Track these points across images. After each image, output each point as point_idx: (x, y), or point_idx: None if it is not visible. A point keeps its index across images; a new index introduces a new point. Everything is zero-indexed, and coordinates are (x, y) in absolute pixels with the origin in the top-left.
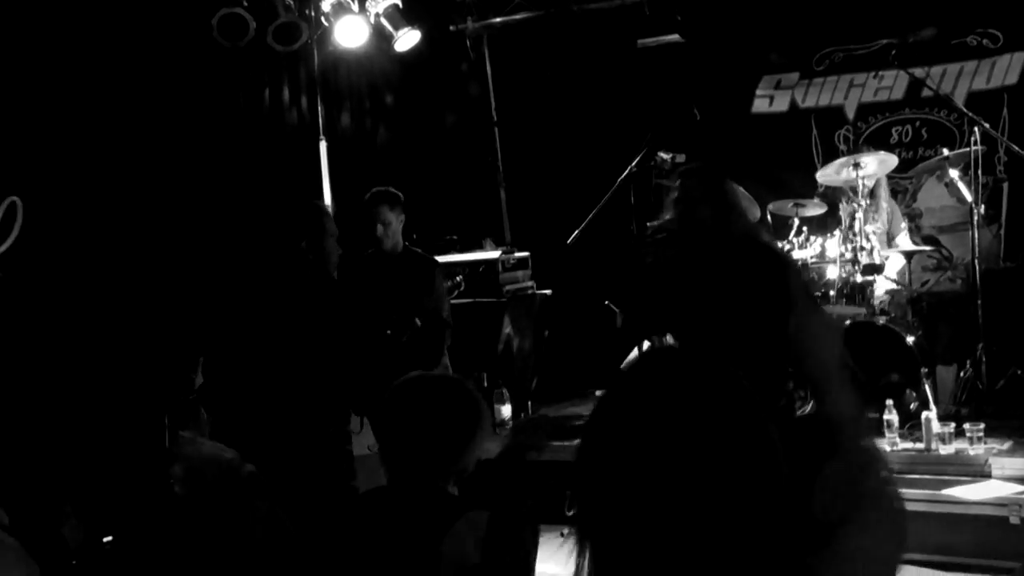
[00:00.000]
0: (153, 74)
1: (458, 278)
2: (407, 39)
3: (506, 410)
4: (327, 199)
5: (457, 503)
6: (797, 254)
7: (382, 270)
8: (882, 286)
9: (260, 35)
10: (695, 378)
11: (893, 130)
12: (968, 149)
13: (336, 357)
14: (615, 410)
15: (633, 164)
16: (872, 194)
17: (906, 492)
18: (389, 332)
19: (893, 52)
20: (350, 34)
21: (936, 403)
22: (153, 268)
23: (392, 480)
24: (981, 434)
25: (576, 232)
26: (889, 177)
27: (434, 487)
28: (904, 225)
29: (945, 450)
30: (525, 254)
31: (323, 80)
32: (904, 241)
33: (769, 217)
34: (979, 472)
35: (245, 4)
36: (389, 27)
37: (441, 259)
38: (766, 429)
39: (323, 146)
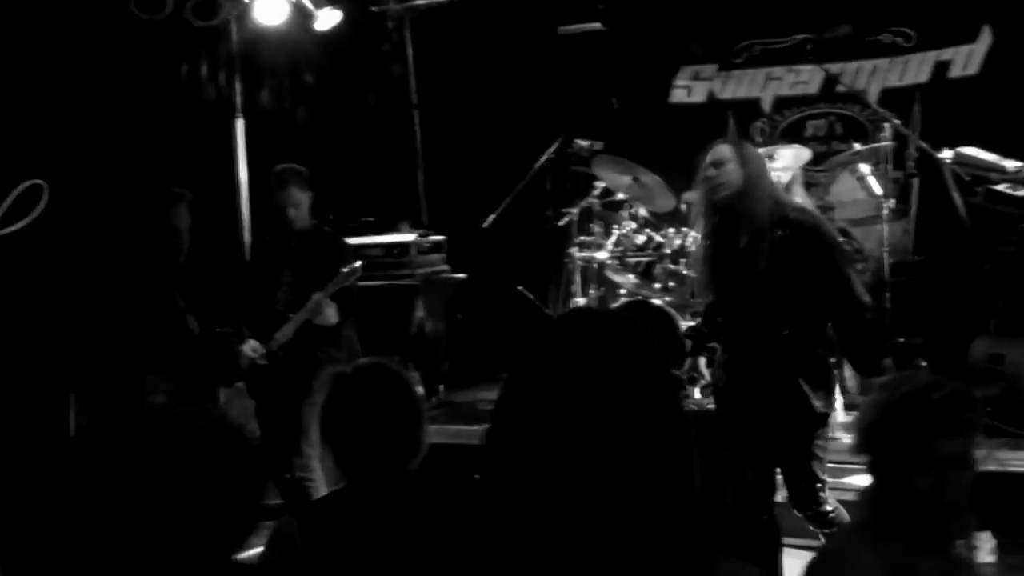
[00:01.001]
0: (67, 45)
1: (357, 264)
2: (328, 18)
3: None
4: (243, 177)
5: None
6: None
7: (291, 249)
8: None
9: (178, 9)
10: (608, 335)
11: (808, 124)
12: (879, 144)
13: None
14: (532, 364)
15: (551, 150)
16: (787, 187)
17: None
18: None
19: (809, 47)
20: (270, 11)
21: (843, 392)
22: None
23: (356, 477)
24: None
25: (492, 217)
26: (804, 170)
27: (404, 474)
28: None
29: (848, 438)
30: (441, 238)
31: (242, 57)
32: None
33: (684, 207)
34: None
35: None
36: (310, 6)
37: (355, 240)
38: (672, 386)
39: (240, 124)
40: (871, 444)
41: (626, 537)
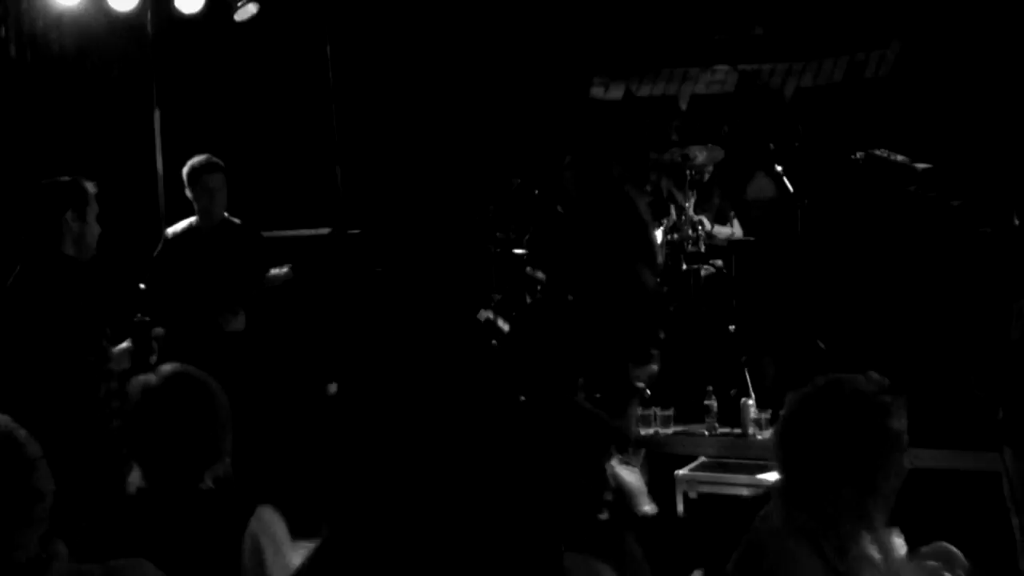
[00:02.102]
0: None
1: (285, 268)
2: (246, 11)
3: None
4: (159, 169)
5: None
6: None
7: (208, 242)
8: (707, 273)
9: None
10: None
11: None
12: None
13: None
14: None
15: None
16: (702, 184)
17: (722, 476)
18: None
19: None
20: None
21: (756, 390)
22: None
23: (152, 482)
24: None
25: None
26: (718, 167)
27: (194, 486)
28: (732, 214)
29: (762, 436)
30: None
31: (160, 46)
32: (737, 226)
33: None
34: None
35: None
36: None
37: (274, 233)
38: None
39: (157, 114)
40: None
41: (473, 536)
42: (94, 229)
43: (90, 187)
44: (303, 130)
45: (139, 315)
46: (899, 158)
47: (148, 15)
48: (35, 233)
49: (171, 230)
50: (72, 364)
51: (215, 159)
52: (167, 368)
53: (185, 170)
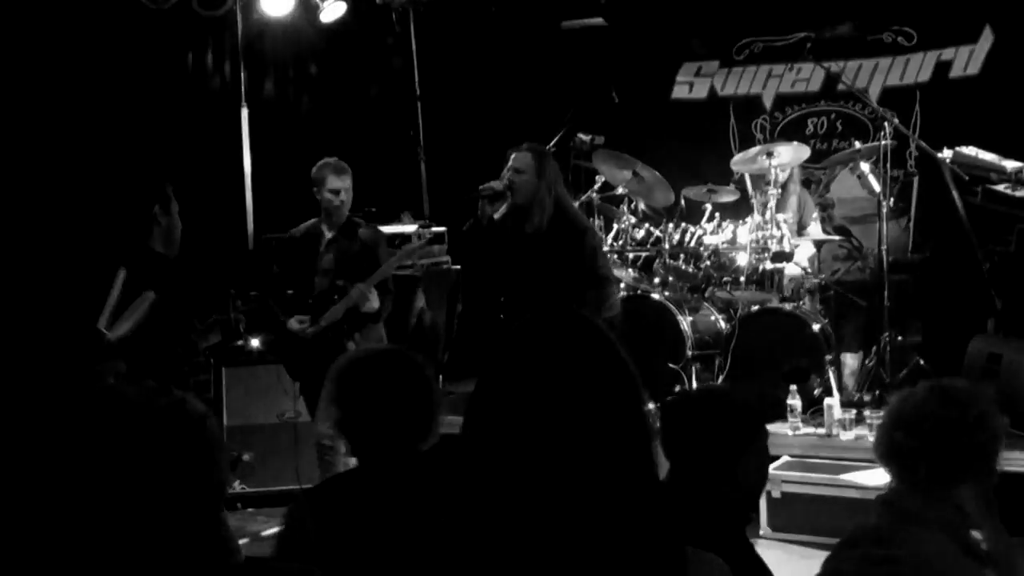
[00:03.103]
0: (75, 34)
1: (396, 254)
2: (333, 10)
3: None
4: (247, 166)
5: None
6: (709, 239)
7: (330, 237)
8: (791, 273)
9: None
10: (575, 339)
11: (809, 121)
12: (879, 143)
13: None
14: (507, 364)
15: (551, 144)
16: (785, 184)
17: (806, 476)
18: (336, 296)
19: (809, 45)
20: (276, 3)
21: (840, 390)
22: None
23: (366, 458)
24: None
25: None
26: (803, 167)
27: (413, 457)
28: (815, 215)
29: (845, 436)
30: (442, 229)
31: (247, 47)
32: (815, 230)
33: (683, 202)
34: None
35: None
36: None
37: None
38: (632, 385)
39: (245, 113)
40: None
41: (596, 532)
42: (178, 224)
43: (168, 188)
44: (388, 128)
45: (224, 289)
46: (988, 156)
47: (237, 15)
48: (126, 229)
49: (296, 229)
50: (163, 356)
51: (341, 162)
52: (380, 347)
53: (313, 171)
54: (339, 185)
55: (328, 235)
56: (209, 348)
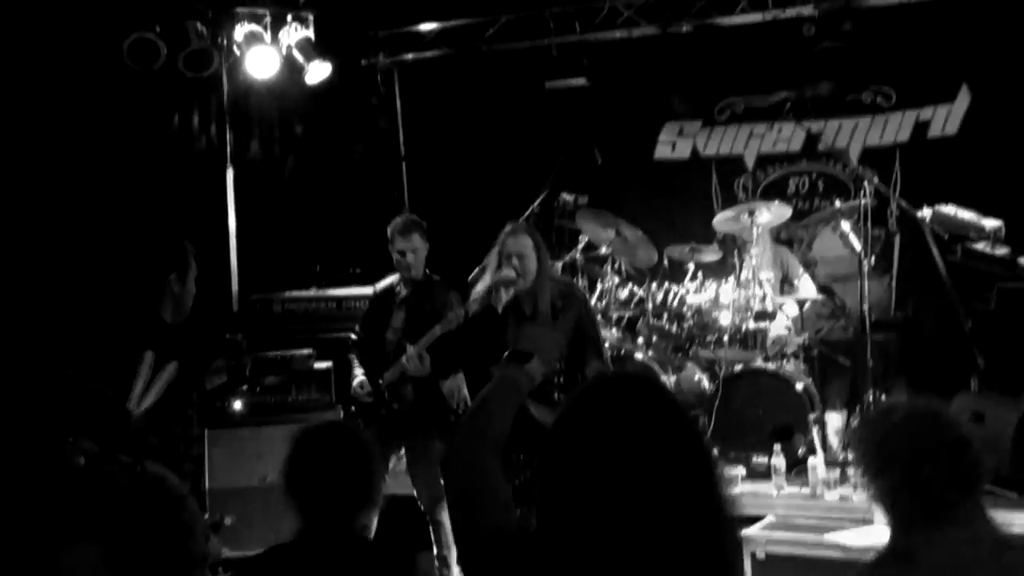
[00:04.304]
0: (63, 96)
1: (451, 317)
2: (318, 71)
3: None
4: (232, 226)
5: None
6: (692, 298)
7: (403, 295)
8: (774, 332)
9: (171, 61)
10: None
11: (791, 181)
12: (859, 202)
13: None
14: (577, 421)
15: (535, 203)
16: (767, 242)
17: (790, 536)
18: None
19: (789, 105)
20: (261, 64)
21: (824, 449)
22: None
23: (307, 526)
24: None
25: (477, 269)
26: (786, 226)
27: (350, 528)
28: (802, 271)
29: (830, 496)
30: (454, 292)
31: (233, 108)
32: (806, 284)
33: (666, 261)
34: (861, 518)
35: (157, 30)
36: (301, 59)
37: (343, 292)
38: (701, 445)
39: (230, 173)
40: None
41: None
42: (191, 293)
43: (190, 248)
44: (373, 188)
45: (232, 335)
46: (967, 215)
47: (223, 76)
48: (138, 296)
49: (377, 286)
50: (160, 430)
51: (413, 218)
52: (323, 420)
53: (388, 229)
54: (403, 246)
55: (402, 293)
56: (214, 389)
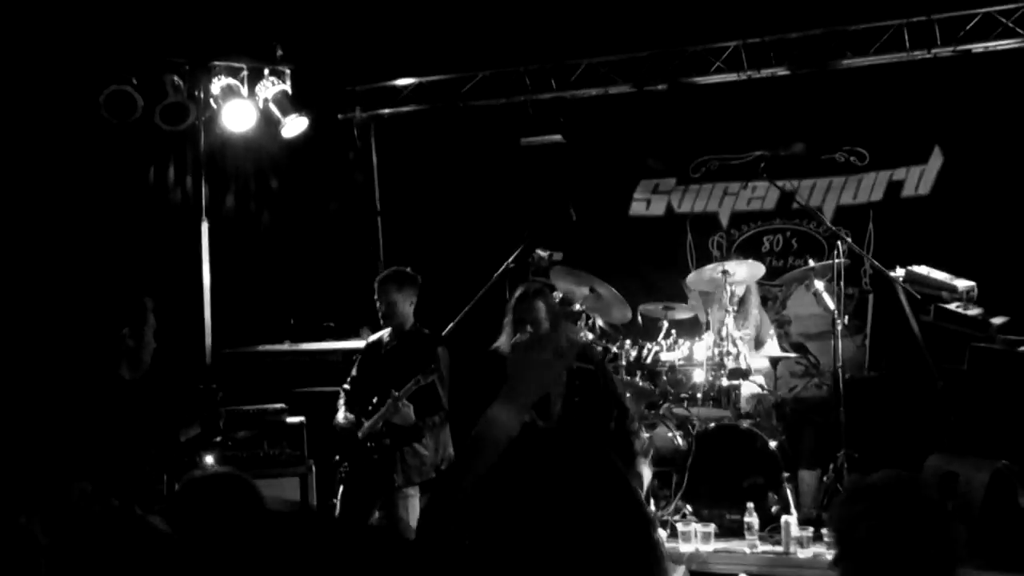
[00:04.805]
0: (38, 146)
1: (432, 367)
2: (294, 125)
3: None
4: (206, 279)
5: None
6: (665, 356)
7: (389, 346)
8: (747, 390)
9: (148, 114)
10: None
11: (765, 239)
12: (833, 261)
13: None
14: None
15: (511, 259)
16: (742, 301)
17: None
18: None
19: (763, 164)
20: (238, 118)
21: (798, 507)
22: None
23: None
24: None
25: (451, 325)
26: (759, 284)
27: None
28: (772, 332)
29: (803, 554)
30: (441, 345)
31: (209, 161)
32: (772, 347)
33: (640, 319)
34: None
35: (134, 82)
36: (277, 113)
37: (317, 346)
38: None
39: (205, 227)
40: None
41: None
42: (149, 347)
43: (148, 303)
44: (348, 242)
45: (206, 385)
46: (940, 276)
47: (199, 130)
48: (91, 351)
49: (369, 338)
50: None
51: (402, 270)
52: (217, 469)
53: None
54: (382, 298)
55: (389, 343)
56: (188, 441)
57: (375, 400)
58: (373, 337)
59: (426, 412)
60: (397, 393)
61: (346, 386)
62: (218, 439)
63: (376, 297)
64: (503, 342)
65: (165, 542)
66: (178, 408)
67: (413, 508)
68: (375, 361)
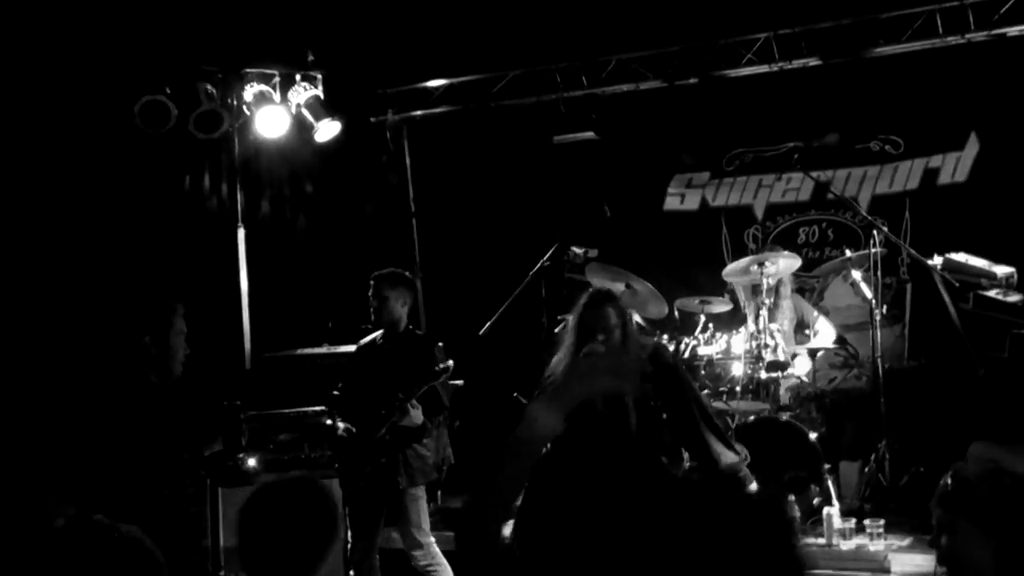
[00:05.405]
0: (74, 158)
1: (442, 367)
2: (327, 130)
3: None
4: (243, 285)
5: None
6: (703, 350)
7: (384, 349)
8: (786, 383)
9: (182, 123)
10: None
11: (800, 230)
12: (870, 251)
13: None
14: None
15: (545, 258)
16: (777, 292)
17: None
18: (383, 411)
19: (797, 156)
20: (271, 124)
21: (839, 499)
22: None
23: None
24: (881, 530)
25: (488, 324)
26: (796, 276)
27: None
28: (818, 315)
29: (846, 546)
30: (439, 344)
31: (243, 168)
32: (824, 328)
33: (676, 313)
34: (878, 568)
35: (167, 92)
36: (310, 118)
37: (353, 348)
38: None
39: (241, 233)
40: None
41: None
42: (178, 353)
43: (178, 308)
44: (384, 244)
45: (229, 401)
46: (979, 262)
47: (233, 137)
48: (119, 359)
49: (361, 341)
50: (147, 497)
51: (395, 270)
52: (292, 474)
53: None
54: (374, 294)
55: (383, 346)
56: (210, 457)
57: (382, 410)
58: (365, 340)
59: (430, 413)
60: (404, 395)
61: (335, 392)
62: (241, 456)
63: (370, 294)
64: (560, 358)
65: (153, 560)
66: (206, 417)
67: (423, 510)
68: (369, 364)
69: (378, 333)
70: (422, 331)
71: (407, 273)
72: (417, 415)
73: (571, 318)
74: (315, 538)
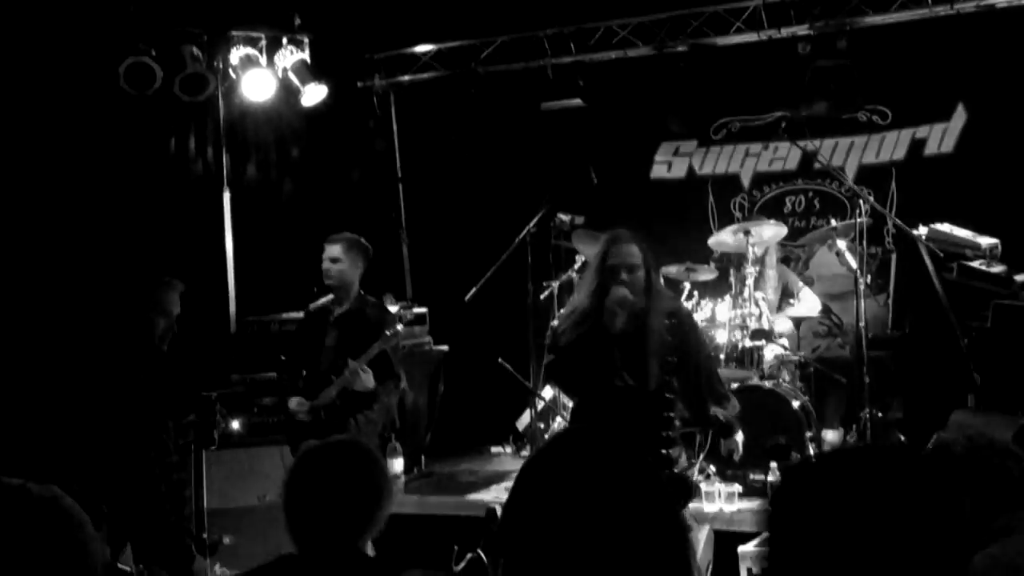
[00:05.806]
0: (59, 120)
1: (392, 331)
2: (314, 94)
3: (398, 464)
4: (229, 249)
5: (379, 565)
6: None
7: (336, 314)
8: (771, 351)
9: (167, 85)
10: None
11: (787, 199)
12: (856, 220)
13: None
14: (536, 482)
15: (532, 224)
16: (762, 262)
17: None
18: (334, 377)
19: (784, 125)
20: (257, 87)
21: None
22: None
23: (305, 547)
24: None
25: (474, 289)
26: (782, 244)
27: (351, 549)
28: (802, 286)
29: None
30: (423, 310)
31: (229, 131)
32: (808, 297)
33: (662, 281)
34: None
35: (152, 54)
36: (296, 81)
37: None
38: (667, 504)
39: (227, 196)
40: None
41: None
42: (171, 325)
43: (178, 285)
44: (370, 209)
45: (205, 392)
46: (963, 233)
47: (219, 100)
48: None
49: (310, 307)
50: (134, 458)
51: (353, 236)
52: (338, 438)
53: None
54: (326, 254)
55: (336, 312)
56: (185, 443)
57: (332, 375)
58: (316, 304)
59: (381, 378)
60: (355, 360)
61: (282, 357)
62: (213, 448)
63: (323, 256)
64: (580, 300)
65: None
66: (190, 384)
67: None
68: (322, 329)
69: (329, 297)
70: (374, 297)
71: (362, 239)
72: (368, 379)
73: (592, 259)
74: (365, 503)
